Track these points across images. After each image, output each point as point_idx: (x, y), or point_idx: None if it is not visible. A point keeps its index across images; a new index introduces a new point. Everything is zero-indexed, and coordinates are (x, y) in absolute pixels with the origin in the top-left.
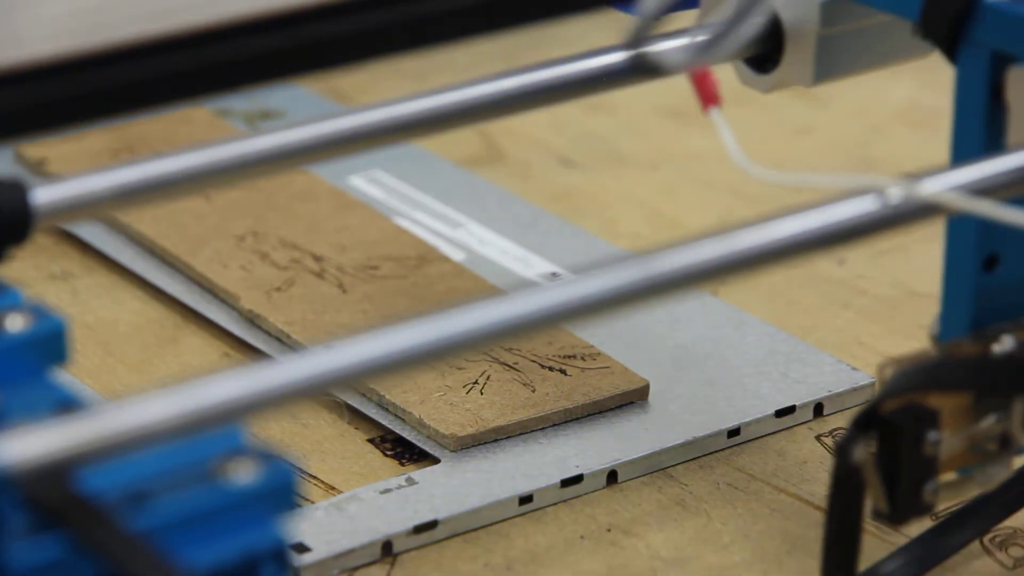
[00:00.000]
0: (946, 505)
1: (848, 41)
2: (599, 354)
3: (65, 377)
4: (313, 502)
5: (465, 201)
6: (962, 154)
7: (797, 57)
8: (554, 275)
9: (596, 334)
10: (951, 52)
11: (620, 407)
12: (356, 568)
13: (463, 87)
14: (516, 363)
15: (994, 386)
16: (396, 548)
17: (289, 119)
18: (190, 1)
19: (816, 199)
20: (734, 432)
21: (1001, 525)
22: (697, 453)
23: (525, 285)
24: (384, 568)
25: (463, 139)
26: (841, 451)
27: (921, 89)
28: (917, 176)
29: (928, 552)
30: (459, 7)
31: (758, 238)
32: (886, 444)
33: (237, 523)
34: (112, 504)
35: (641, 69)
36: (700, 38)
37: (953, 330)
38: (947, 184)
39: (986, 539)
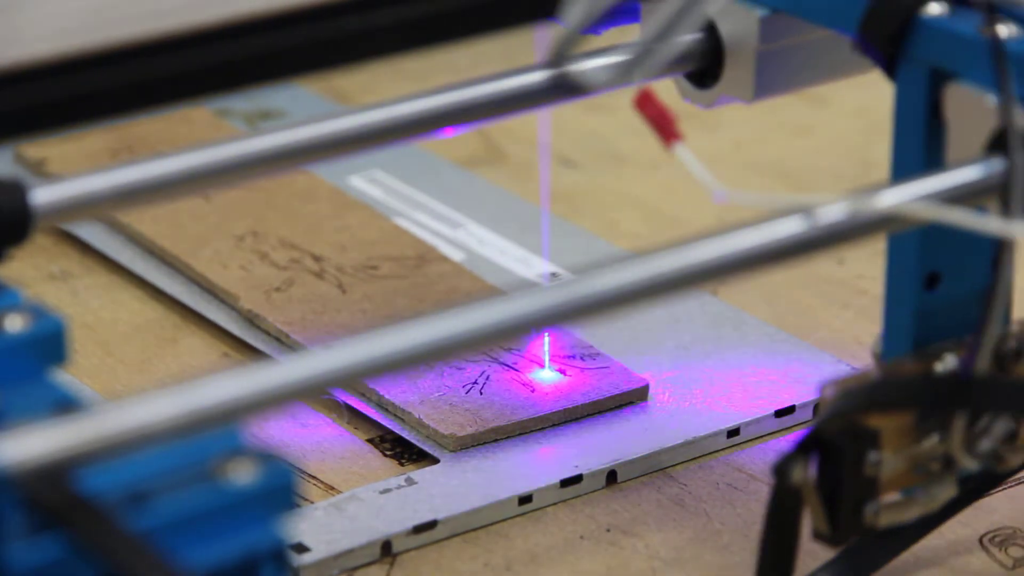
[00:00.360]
0: (888, 526)
1: (788, 56)
2: (599, 354)
3: (64, 377)
4: (312, 502)
5: (465, 201)
6: (902, 171)
7: (737, 72)
8: (554, 275)
9: (596, 334)
10: (890, 69)
11: (620, 407)
12: (355, 568)
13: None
14: (516, 363)
15: (936, 405)
16: (395, 548)
17: (289, 119)
18: (190, 0)
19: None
20: (734, 432)
21: (1001, 525)
22: (697, 453)
23: (525, 285)
24: (384, 568)
25: (463, 139)
26: (779, 472)
27: None
28: (857, 194)
29: (858, 563)
30: (458, 8)
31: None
32: (827, 465)
33: (237, 523)
34: (112, 504)
35: (563, 88)
36: (625, 56)
37: (895, 348)
38: (890, 200)
39: (986, 539)
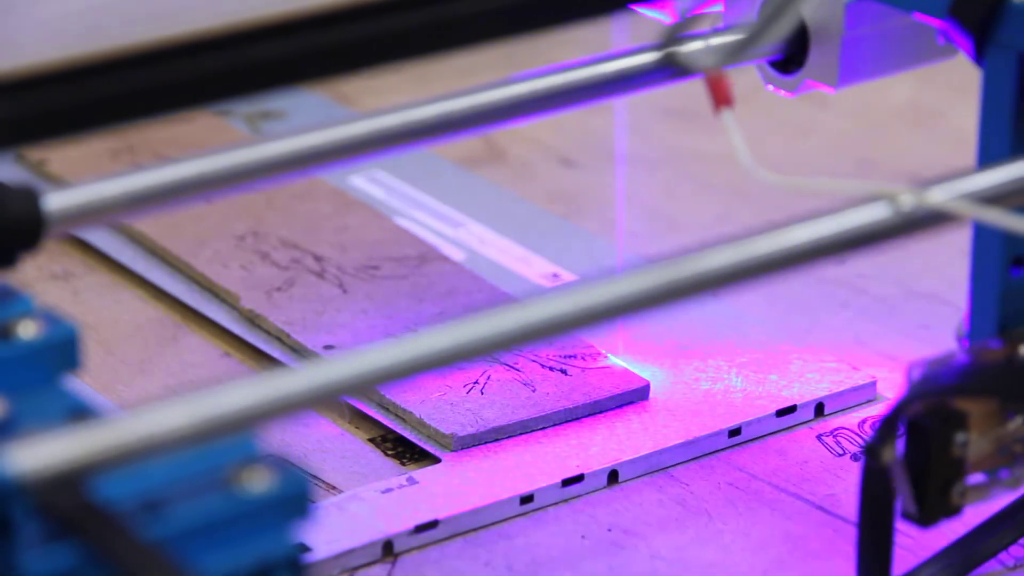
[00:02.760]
0: (973, 506)
1: (873, 43)
2: (599, 354)
3: (76, 383)
4: (314, 502)
5: (465, 201)
6: (989, 157)
7: (822, 59)
8: (554, 275)
9: (596, 334)
10: (978, 53)
11: (620, 407)
12: (357, 568)
13: (495, 87)
14: (516, 363)
15: (1021, 390)
16: (397, 548)
17: (290, 120)
18: (192, 6)
19: (821, 205)
20: (735, 432)
21: None
22: (698, 453)
23: (534, 291)
24: (385, 568)
25: (463, 139)
26: (870, 452)
27: (921, 89)
28: (930, 183)
29: (964, 557)
30: (464, 14)
31: (773, 245)
32: (915, 446)
33: (251, 531)
34: (126, 512)
35: (672, 69)
36: (732, 38)
37: (980, 331)
38: (962, 191)
39: None
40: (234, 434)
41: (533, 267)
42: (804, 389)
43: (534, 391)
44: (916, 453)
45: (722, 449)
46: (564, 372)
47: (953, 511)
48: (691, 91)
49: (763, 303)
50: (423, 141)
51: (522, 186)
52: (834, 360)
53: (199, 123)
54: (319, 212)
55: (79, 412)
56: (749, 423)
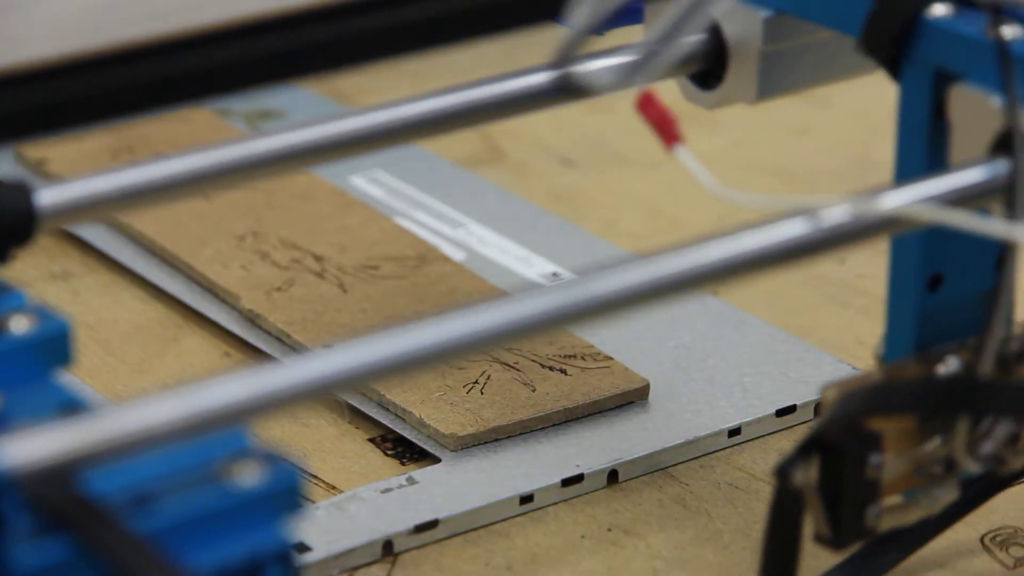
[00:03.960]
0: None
1: (792, 57)
2: (599, 354)
3: (68, 378)
4: (314, 502)
5: (465, 201)
6: (906, 172)
7: (741, 74)
8: (555, 275)
9: (596, 334)
10: (894, 70)
11: (620, 407)
12: (357, 567)
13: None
14: (516, 363)
15: (938, 408)
16: (397, 547)
17: (289, 119)
18: (191, 2)
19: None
20: (735, 432)
21: (1002, 525)
22: (698, 453)
23: (528, 286)
24: (385, 567)
25: (463, 139)
26: (781, 474)
27: None
28: (860, 196)
29: (863, 570)
30: (459, 10)
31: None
32: (829, 468)
33: (242, 525)
34: (117, 506)
35: (568, 90)
36: (630, 58)
37: (898, 351)
38: (893, 202)
39: (987, 538)
40: (225, 428)
41: (533, 267)
42: (804, 389)
43: (534, 391)
44: (830, 476)
45: (722, 449)
46: (564, 372)
47: (868, 534)
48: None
49: (763, 303)
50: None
51: (522, 186)
52: (834, 360)
53: (199, 122)
54: (319, 212)
55: (70, 406)
56: (749, 423)
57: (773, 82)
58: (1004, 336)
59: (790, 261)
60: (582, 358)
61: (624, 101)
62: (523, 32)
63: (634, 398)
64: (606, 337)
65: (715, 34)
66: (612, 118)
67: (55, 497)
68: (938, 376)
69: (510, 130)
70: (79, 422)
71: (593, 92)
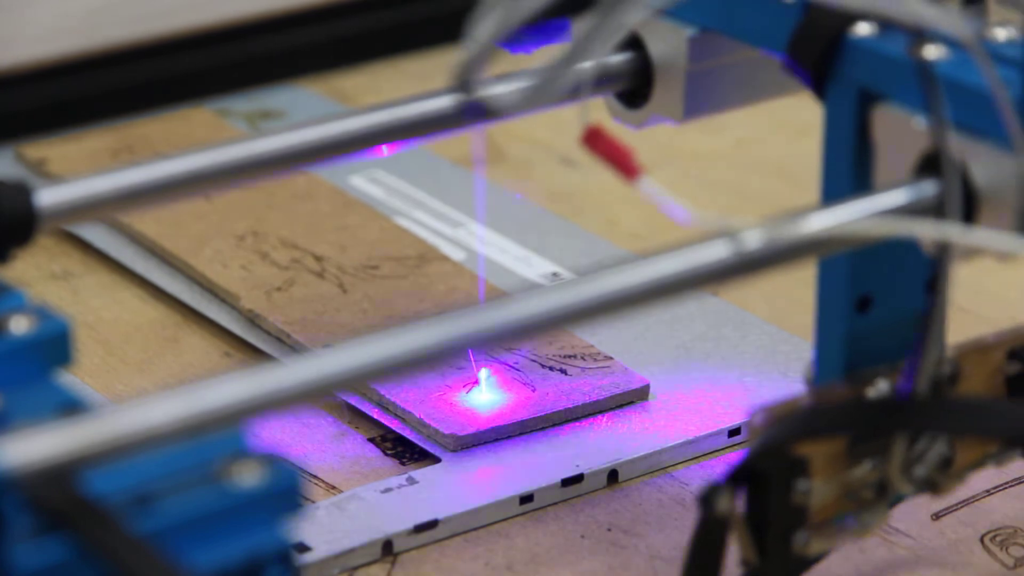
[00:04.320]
0: (818, 555)
1: (719, 76)
2: (599, 354)
3: (67, 378)
4: (314, 501)
5: (465, 201)
6: (831, 194)
7: (667, 92)
8: (554, 275)
9: (596, 334)
10: (818, 89)
11: (620, 407)
12: (357, 567)
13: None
14: (516, 363)
15: (869, 431)
16: (397, 547)
17: (290, 119)
18: (190, 1)
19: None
20: (735, 432)
21: (1002, 524)
22: (698, 452)
23: (528, 287)
24: (385, 567)
25: (463, 139)
26: (705, 502)
27: None
28: (780, 219)
29: None
30: (459, 10)
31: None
32: (755, 494)
33: (242, 525)
34: (116, 506)
35: (472, 112)
36: (532, 81)
37: (827, 374)
38: (813, 226)
39: (986, 538)
40: (224, 428)
41: (533, 267)
42: (804, 389)
43: (534, 391)
44: (756, 502)
45: (722, 449)
46: (564, 372)
47: (796, 560)
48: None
49: (763, 303)
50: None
51: (522, 186)
52: None
53: (199, 122)
54: (319, 212)
55: (70, 406)
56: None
57: (700, 101)
58: (936, 358)
59: (703, 286)
60: (582, 358)
61: None
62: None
63: (634, 398)
64: (606, 337)
65: (640, 52)
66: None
67: (55, 497)
68: (868, 399)
69: (510, 130)
70: (79, 422)
71: (499, 114)
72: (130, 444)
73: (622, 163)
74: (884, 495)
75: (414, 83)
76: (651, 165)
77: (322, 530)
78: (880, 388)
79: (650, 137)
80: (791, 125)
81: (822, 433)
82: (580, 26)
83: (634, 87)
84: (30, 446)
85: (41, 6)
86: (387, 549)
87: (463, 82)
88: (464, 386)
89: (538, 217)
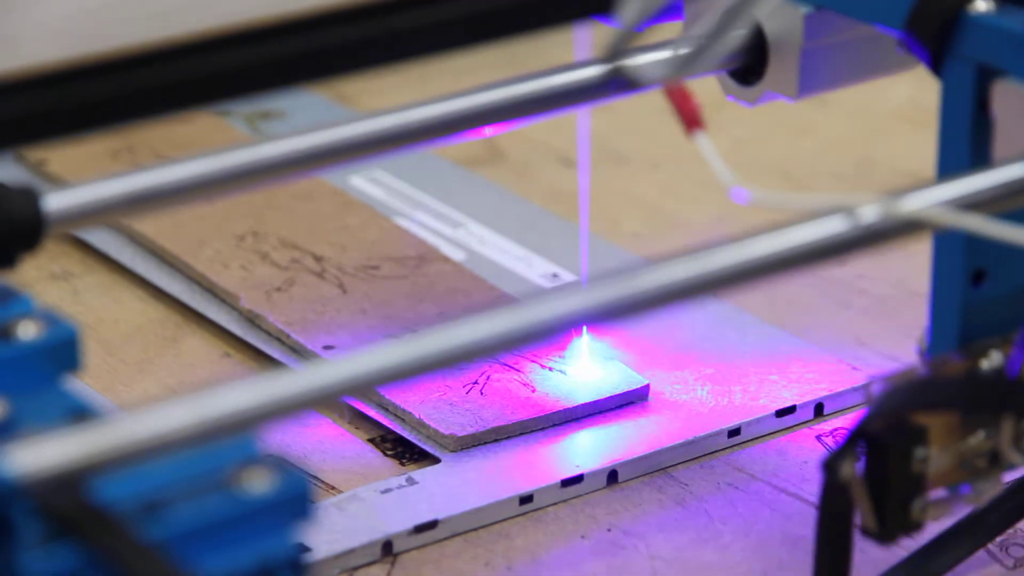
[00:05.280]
0: (935, 522)
1: (832, 53)
2: (599, 354)
3: (76, 384)
4: (314, 502)
5: (465, 201)
6: (948, 168)
7: (781, 69)
8: (555, 275)
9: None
10: (936, 65)
11: (620, 407)
12: (356, 568)
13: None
14: (516, 363)
15: (982, 403)
16: (396, 548)
17: (290, 120)
18: (192, 5)
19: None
20: (734, 432)
21: None
22: (697, 453)
23: (536, 292)
24: (384, 568)
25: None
26: (828, 468)
27: (921, 89)
28: (898, 193)
29: (923, 568)
30: (464, 16)
31: (766, 247)
32: (874, 461)
33: (252, 532)
34: (126, 513)
35: (618, 83)
36: (679, 51)
37: (941, 345)
38: (930, 200)
39: None
40: (234, 435)
41: (533, 267)
42: (804, 389)
43: (534, 391)
44: (876, 469)
45: (722, 449)
46: (564, 372)
47: (914, 527)
48: (691, 91)
49: (763, 303)
50: (424, 142)
51: (522, 186)
52: (834, 360)
53: (199, 123)
54: (319, 212)
55: (79, 413)
56: (749, 423)
57: (814, 78)
58: None
59: (817, 262)
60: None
61: (624, 101)
62: (527, 37)
63: (634, 398)
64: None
65: (756, 30)
66: (612, 118)
67: (64, 504)
68: (982, 372)
69: (510, 130)
70: (88, 429)
71: (643, 84)
72: (140, 451)
73: (689, 115)
74: (998, 465)
75: (416, 86)
76: (651, 165)
77: (322, 530)
78: (994, 360)
79: (650, 137)
80: (791, 125)
81: (936, 405)
82: (703, 3)
83: (749, 64)
84: (39, 453)
85: (43, 10)
86: (387, 549)
87: (612, 54)
88: (464, 386)
89: (538, 217)
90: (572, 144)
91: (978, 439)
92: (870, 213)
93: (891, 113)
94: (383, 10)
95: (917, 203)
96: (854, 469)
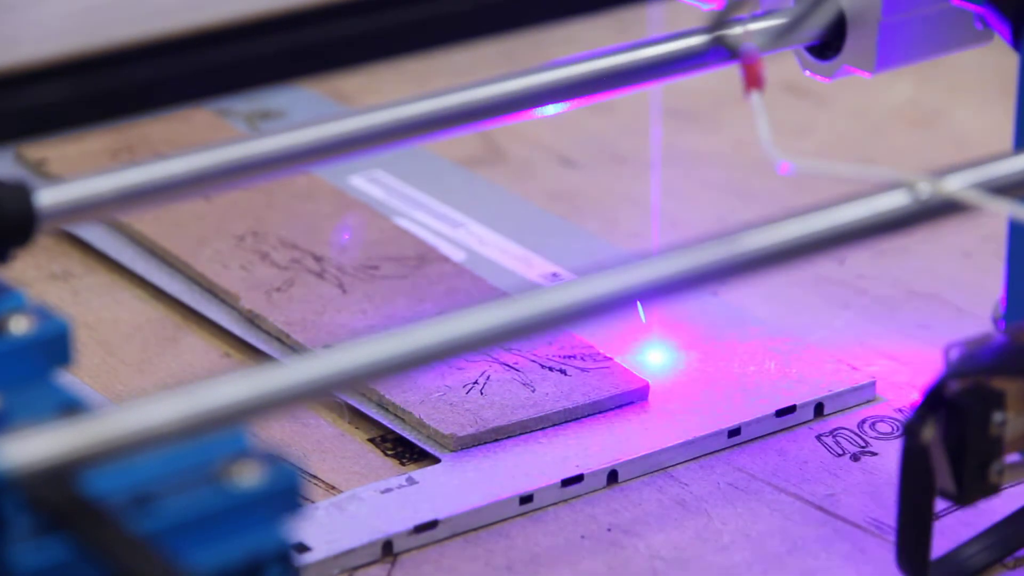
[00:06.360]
0: (1011, 485)
1: (910, 28)
2: (599, 354)
3: (67, 378)
4: (314, 502)
5: (465, 201)
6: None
7: (859, 43)
8: (554, 275)
9: (596, 334)
10: (1016, 39)
11: (620, 407)
12: (356, 568)
13: (535, 73)
14: (516, 363)
15: None
16: (396, 548)
17: (289, 119)
18: (190, 1)
19: (825, 198)
20: (734, 432)
21: None
22: (697, 453)
23: (529, 287)
24: (384, 568)
25: (463, 139)
26: (909, 431)
27: (921, 89)
28: (947, 171)
29: (1006, 538)
30: (461, 10)
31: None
32: (953, 425)
33: (242, 525)
34: (117, 506)
35: (719, 53)
36: (775, 22)
37: (1017, 312)
38: (977, 179)
39: None
40: (224, 428)
41: (533, 267)
42: (804, 389)
43: (534, 391)
44: (954, 432)
45: (722, 449)
46: (564, 372)
47: (991, 490)
48: (691, 91)
49: (763, 303)
50: (424, 136)
51: (522, 186)
52: (834, 360)
53: (198, 122)
54: (319, 212)
55: (70, 407)
56: (749, 423)
57: (892, 52)
58: None
59: (889, 234)
60: (582, 358)
61: (624, 101)
62: (523, 33)
63: (634, 398)
64: (606, 337)
65: (834, 4)
66: (612, 118)
67: (55, 497)
68: None
69: (510, 130)
70: (79, 422)
71: (743, 55)
72: (130, 444)
73: (753, 74)
74: None
75: (414, 83)
76: (651, 164)
77: (322, 530)
78: None
79: (649, 136)
80: (791, 125)
81: (1012, 371)
82: None
83: (827, 39)
84: (30, 446)
85: (42, 6)
86: (387, 549)
87: (717, 23)
88: (464, 386)
89: (538, 217)
90: (572, 144)
91: None
92: (925, 189)
93: (891, 113)
94: (380, 5)
95: (965, 181)
96: (934, 432)
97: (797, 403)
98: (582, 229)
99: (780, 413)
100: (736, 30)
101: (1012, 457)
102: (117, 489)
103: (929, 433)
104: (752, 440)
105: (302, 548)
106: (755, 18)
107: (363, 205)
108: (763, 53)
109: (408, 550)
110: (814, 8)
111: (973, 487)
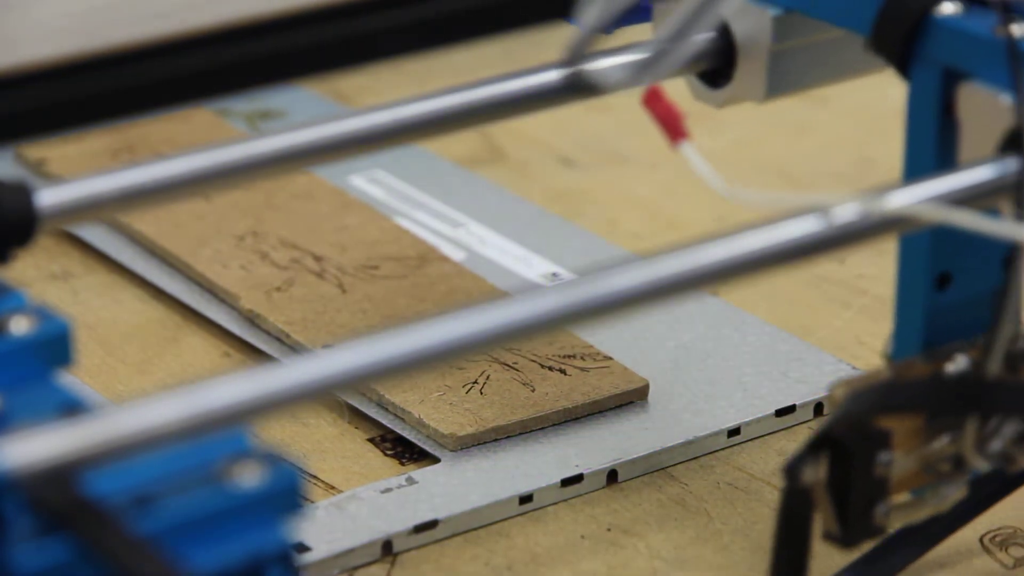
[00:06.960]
0: (899, 526)
1: (801, 56)
2: (599, 354)
3: (67, 378)
4: (313, 502)
5: (465, 201)
6: (914, 171)
7: (749, 72)
8: (554, 275)
9: (596, 334)
10: (903, 68)
11: (620, 407)
12: (356, 567)
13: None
14: (516, 363)
15: (947, 406)
16: (396, 547)
17: (290, 119)
18: (190, 2)
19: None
20: (734, 432)
21: (1001, 525)
22: (697, 453)
23: (529, 287)
24: (384, 567)
25: (463, 139)
26: (790, 473)
27: None
28: (870, 194)
29: (875, 570)
30: (459, 11)
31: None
32: (837, 465)
33: (243, 526)
34: (117, 507)
35: (578, 87)
36: (640, 56)
37: (906, 349)
38: (901, 201)
39: (986, 538)
40: (225, 429)
41: (533, 267)
42: (804, 389)
43: (533, 391)
44: (838, 473)
45: (722, 449)
46: (564, 372)
47: (876, 532)
48: (690, 90)
49: (763, 303)
50: (424, 136)
51: (522, 186)
52: (834, 360)
53: (198, 122)
54: (319, 212)
55: (71, 407)
56: (749, 423)
57: (782, 80)
58: (1012, 335)
59: (796, 260)
60: (582, 358)
61: (624, 101)
62: (524, 32)
63: (634, 398)
64: (606, 337)
65: (724, 33)
66: (612, 118)
67: (56, 498)
68: (946, 375)
69: (510, 130)
70: (80, 423)
71: (604, 90)
72: (131, 445)
73: (672, 125)
74: (961, 469)
75: (414, 84)
76: (651, 165)
77: (322, 530)
78: (959, 364)
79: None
80: (791, 125)
81: (900, 408)
82: (671, 6)
83: (717, 67)
84: (31, 447)
85: (42, 7)
86: (387, 549)
87: (572, 58)
88: (464, 386)
89: (538, 217)
90: (572, 144)
91: (942, 443)
92: (848, 211)
93: (891, 113)
94: (380, 5)
95: (896, 201)
96: (815, 474)
97: (797, 403)
98: (582, 229)
99: (780, 413)
100: (596, 64)
101: (901, 497)
102: (118, 489)
103: (810, 474)
104: (752, 440)
105: (302, 548)
106: (617, 52)
107: (363, 205)
108: (626, 88)
109: (408, 550)
110: (678, 42)
111: (858, 529)
